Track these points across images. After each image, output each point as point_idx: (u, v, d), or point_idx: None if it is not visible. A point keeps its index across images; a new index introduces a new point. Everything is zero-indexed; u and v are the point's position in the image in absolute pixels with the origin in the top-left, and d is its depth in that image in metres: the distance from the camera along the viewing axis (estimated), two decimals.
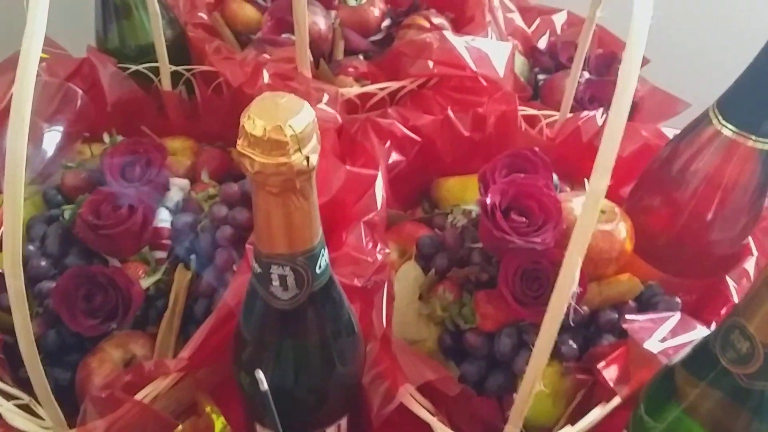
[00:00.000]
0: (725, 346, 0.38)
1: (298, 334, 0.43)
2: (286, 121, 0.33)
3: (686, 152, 0.54)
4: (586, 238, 0.35)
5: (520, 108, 0.70)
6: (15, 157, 0.33)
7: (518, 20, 0.91)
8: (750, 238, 0.59)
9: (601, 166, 0.34)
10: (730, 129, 0.51)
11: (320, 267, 0.41)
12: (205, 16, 0.81)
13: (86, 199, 0.60)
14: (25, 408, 0.51)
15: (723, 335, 0.38)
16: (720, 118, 0.51)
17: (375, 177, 0.60)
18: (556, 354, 0.53)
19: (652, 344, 0.50)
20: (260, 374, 0.36)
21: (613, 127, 0.34)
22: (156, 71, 0.74)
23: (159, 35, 0.68)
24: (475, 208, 0.63)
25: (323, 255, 0.41)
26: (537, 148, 0.58)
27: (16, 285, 0.34)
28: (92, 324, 0.53)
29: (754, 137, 0.50)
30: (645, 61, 0.88)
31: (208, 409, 0.49)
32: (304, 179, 0.35)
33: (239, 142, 0.34)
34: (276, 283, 0.40)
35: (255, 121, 0.33)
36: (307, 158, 0.34)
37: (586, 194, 0.35)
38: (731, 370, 0.38)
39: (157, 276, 0.59)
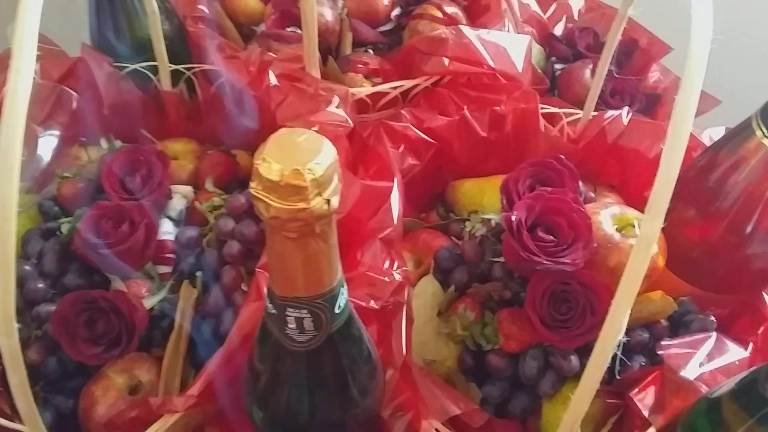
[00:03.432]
0: None
1: (315, 373, 0.41)
2: (305, 165, 0.29)
3: (725, 163, 0.51)
4: (635, 285, 0.32)
5: (540, 106, 0.66)
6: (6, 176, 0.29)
7: (534, 5, 0.87)
8: None
9: (655, 208, 0.31)
10: None
11: (339, 307, 0.38)
12: (205, 9, 0.76)
13: (84, 214, 0.56)
14: None
15: None
16: (765, 130, 0.47)
17: (391, 189, 0.56)
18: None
19: (689, 371, 0.47)
20: None
21: (668, 166, 0.31)
22: (154, 69, 0.70)
23: (157, 34, 0.64)
24: (494, 217, 0.60)
25: (342, 294, 0.38)
26: (563, 156, 0.55)
27: (10, 345, 0.31)
28: (94, 352, 0.50)
29: None
30: (668, 50, 0.84)
31: None
32: (324, 223, 0.32)
33: (253, 184, 0.31)
34: (292, 325, 0.37)
35: (271, 164, 0.29)
36: (328, 201, 0.31)
37: (638, 238, 0.32)
38: None
39: (162, 294, 0.56)
